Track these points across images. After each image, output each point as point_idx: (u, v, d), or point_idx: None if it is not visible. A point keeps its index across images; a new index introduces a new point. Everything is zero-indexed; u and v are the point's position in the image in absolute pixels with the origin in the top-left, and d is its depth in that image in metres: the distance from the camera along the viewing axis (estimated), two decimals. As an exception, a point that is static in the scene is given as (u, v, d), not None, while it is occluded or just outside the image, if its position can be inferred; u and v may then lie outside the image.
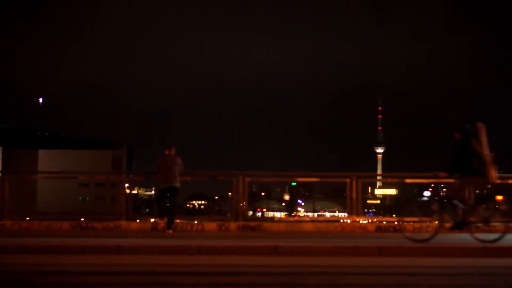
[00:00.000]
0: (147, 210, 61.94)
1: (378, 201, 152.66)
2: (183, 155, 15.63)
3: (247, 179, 16.58)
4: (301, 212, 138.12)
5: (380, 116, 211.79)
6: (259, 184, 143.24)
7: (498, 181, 12.02)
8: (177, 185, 15.40)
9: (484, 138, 11.80)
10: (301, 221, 25.44)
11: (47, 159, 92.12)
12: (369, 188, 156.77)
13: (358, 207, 16.36)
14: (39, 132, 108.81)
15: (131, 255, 10.20)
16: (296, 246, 10.82)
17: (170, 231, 15.10)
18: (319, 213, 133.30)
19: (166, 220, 15.33)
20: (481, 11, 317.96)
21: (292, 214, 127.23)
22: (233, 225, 15.79)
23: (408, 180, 18.29)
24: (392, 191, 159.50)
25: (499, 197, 12.78)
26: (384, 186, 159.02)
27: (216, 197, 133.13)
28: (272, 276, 8.15)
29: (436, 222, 12.21)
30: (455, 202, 11.86)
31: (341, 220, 17.27)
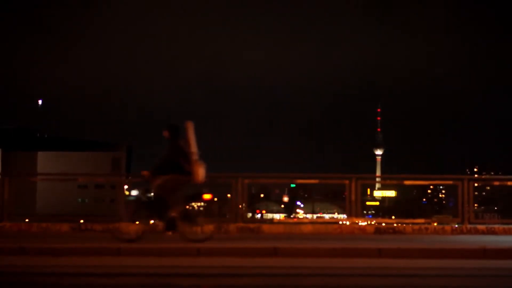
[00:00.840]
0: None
1: (377, 203, 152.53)
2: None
3: (246, 181, 16.57)
4: (300, 213, 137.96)
5: (379, 118, 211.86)
6: (259, 186, 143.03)
7: (205, 180, 11.83)
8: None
9: (192, 137, 11.74)
10: (300, 222, 25.43)
11: (46, 161, 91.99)
12: (368, 190, 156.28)
13: (357, 209, 16.36)
14: (38, 134, 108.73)
15: (130, 257, 10.22)
16: (295, 247, 10.84)
17: (170, 232, 15.10)
18: (318, 215, 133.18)
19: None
20: (481, 11, 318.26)
21: (291, 216, 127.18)
22: (232, 227, 15.78)
23: (407, 182, 18.31)
24: (391, 193, 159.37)
25: (206, 196, 12.64)
26: (383, 188, 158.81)
27: (216, 199, 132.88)
28: (271, 278, 8.17)
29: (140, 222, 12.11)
30: (164, 201, 11.77)
31: (340, 222, 17.28)
